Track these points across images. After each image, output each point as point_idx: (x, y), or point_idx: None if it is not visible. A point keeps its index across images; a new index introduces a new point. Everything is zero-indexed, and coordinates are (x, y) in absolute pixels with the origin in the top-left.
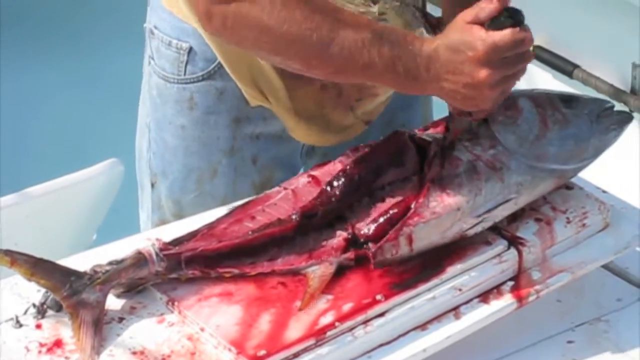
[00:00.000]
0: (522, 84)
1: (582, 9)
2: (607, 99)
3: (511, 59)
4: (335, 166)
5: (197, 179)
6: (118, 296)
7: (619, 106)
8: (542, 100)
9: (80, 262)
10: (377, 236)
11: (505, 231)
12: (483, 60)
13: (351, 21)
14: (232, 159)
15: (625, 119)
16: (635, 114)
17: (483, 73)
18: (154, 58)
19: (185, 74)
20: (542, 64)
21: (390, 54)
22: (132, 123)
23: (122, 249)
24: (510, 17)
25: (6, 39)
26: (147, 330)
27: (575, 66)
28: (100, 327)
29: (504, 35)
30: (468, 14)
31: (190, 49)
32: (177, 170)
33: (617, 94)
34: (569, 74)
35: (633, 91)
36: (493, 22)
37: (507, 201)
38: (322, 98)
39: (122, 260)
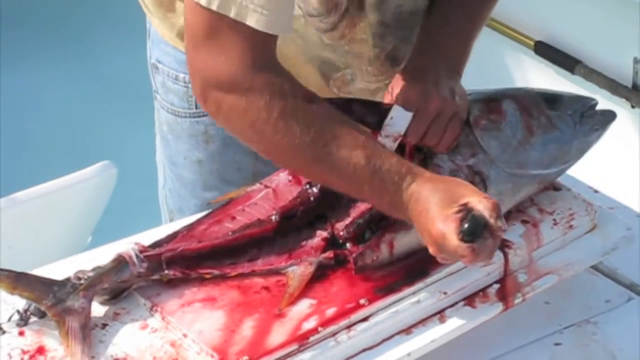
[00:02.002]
0: (522, 79)
1: (584, 5)
2: (592, 97)
3: (452, 259)
4: None
5: None
6: (103, 303)
7: (620, 102)
8: (526, 101)
9: (76, 263)
10: (356, 236)
11: None
12: (435, 241)
13: (348, 141)
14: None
15: (608, 118)
16: (636, 110)
17: (431, 249)
18: (159, 92)
19: (196, 108)
20: (544, 60)
21: (380, 186)
22: (129, 124)
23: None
24: (469, 234)
25: (5, 40)
26: (130, 337)
27: (577, 62)
28: (87, 331)
29: (456, 247)
30: (468, 192)
31: None
32: (195, 205)
33: (619, 89)
34: (571, 70)
35: (635, 87)
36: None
37: None
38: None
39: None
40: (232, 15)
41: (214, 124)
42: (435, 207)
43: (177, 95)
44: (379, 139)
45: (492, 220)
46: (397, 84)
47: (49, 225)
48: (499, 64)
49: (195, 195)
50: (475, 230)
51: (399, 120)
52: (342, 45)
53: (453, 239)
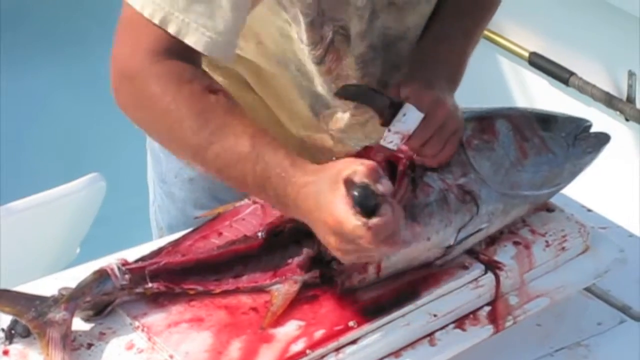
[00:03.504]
0: (517, 90)
1: (579, 17)
2: (586, 118)
3: (356, 248)
4: None
5: None
6: (87, 320)
7: (614, 114)
8: (519, 121)
9: (61, 280)
10: None
11: (482, 255)
12: (333, 231)
13: (237, 129)
14: None
15: (602, 140)
16: (630, 123)
17: (332, 241)
18: None
19: None
20: (538, 71)
21: (262, 175)
22: (119, 135)
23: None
24: (361, 204)
25: (4, 40)
26: (115, 357)
27: (571, 74)
28: (68, 342)
29: (354, 227)
30: (345, 166)
31: None
32: (184, 223)
33: (613, 101)
34: (565, 82)
35: (629, 99)
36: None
37: (478, 231)
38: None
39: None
40: (171, 31)
41: None
42: (323, 195)
43: None
44: (387, 133)
45: (373, 186)
46: (406, 83)
47: (37, 237)
48: (493, 75)
49: (185, 212)
50: (364, 199)
51: (411, 120)
52: (330, 82)
53: (349, 220)
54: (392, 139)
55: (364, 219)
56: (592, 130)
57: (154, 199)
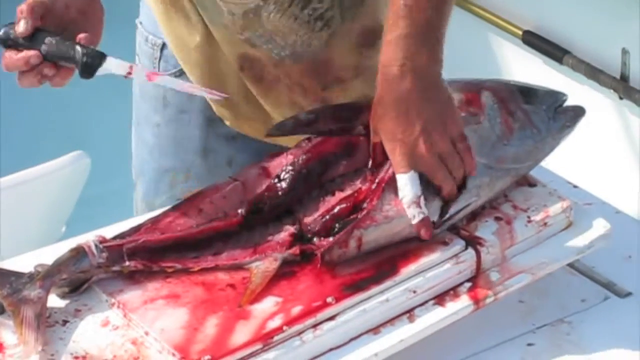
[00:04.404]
0: (510, 69)
1: None
2: (563, 91)
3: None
4: (287, 158)
5: (170, 180)
6: (63, 297)
7: (608, 93)
8: (504, 94)
9: (42, 257)
10: (324, 232)
11: (463, 230)
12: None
13: None
14: (205, 161)
15: (578, 113)
16: (624, 101)
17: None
18: (138, 54)
19: (159, 71)
20: (532, 50)
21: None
22: (103, 113)
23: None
24: None
25: None
26: (90, 334)
27: (565, 52)
28: (42, 320)
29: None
30: None
31: (163, 45)
32: (152, 169)
33: (607, 80)
34: (559, 60)
35: (623, 78)
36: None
37: (467, 205)
38: (295, 99)
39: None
40: None
41: (172, 90)
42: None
43: (146, 57)
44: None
45: None
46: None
47: (22, 215)
48: (486, 54)
49: (153, 158)
50: None
51: (407, 186)
52: None
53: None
54: (413, 212)
55: None
56: (567, 103)
57: (134, 145)
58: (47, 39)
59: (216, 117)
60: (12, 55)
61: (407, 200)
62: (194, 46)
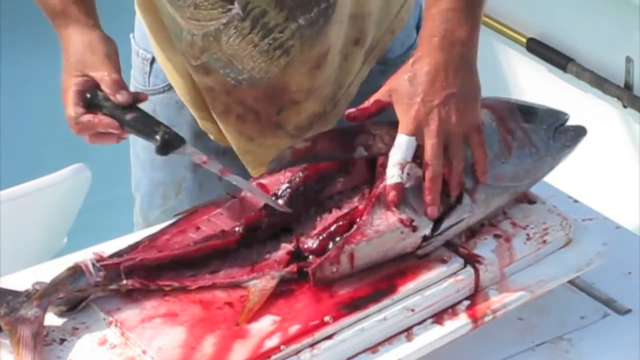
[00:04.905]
0: (514, 76)
1: (577, 3)
2: (564, 111)
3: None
4: (285, 175)
5: (162, 194)
6: (61, 315)
7: (612, 101)
8: (503, 112)
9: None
10: (321, 250)
11: (462, 248)
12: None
13: None
14: (196, 175)
15: (579, 133)
16: (628, 109)
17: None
18: (132, 67)
19: (149, 85)
20: (536, 57)
21: None
22: None
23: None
24: None
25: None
26: (88, 353)
27: (569, 60)
28: (39, 340)
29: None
30: None
31: (153, 60)
32: (146, 184)
33: (611, 88)
34: (563, 68)
35: (627, 86)
36: None
37: (458, 222)
38: (245, 129)
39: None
40: None
41: (162, 104)
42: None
43: (137, 71)
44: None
45: None
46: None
47: (23, 227)
48: (490, 61)
49: (146, 173)
50: None
51: (401, 147)
52: None
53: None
54: (393, 173)
55: None
56: (569, 123)
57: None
58: (135, 114)
59: (204, 132)
60: (91, 119)
61: (394, 159)
62: (178, 61)
